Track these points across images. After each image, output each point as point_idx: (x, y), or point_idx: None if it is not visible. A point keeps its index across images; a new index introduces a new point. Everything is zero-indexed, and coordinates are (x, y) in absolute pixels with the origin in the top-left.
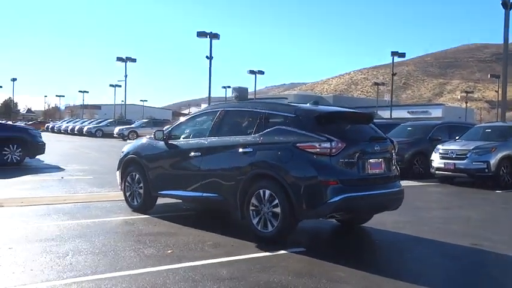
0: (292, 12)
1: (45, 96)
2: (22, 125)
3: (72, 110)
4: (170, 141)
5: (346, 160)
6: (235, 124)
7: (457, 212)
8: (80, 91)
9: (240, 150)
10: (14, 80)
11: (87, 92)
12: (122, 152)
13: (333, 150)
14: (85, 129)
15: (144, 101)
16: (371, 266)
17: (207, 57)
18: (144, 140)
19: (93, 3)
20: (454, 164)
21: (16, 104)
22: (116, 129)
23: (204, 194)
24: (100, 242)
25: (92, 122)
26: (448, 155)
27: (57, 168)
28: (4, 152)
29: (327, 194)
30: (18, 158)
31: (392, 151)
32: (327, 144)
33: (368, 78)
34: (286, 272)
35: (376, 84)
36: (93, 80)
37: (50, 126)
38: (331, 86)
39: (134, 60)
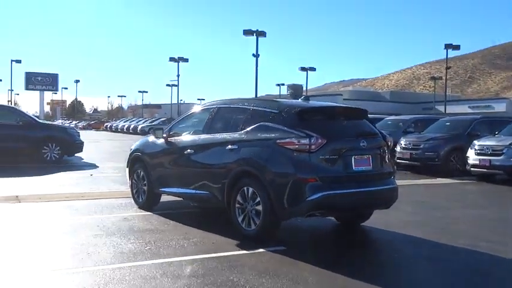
0: (352, 5)
1: (108, 96)
2: (61, 124)
3: (134, 109)
4: (169, 139)
5: (326, 157)
6: (226, 121)
7: (474, 212)
8: (139, 91)
9: (227, 147)
10: (77, 81)
11: (146, 92)
12: (130, 149)
13: (312, 147)
14: (139, 128)
15: (202, 99)
16: (345, 267)
17: (253, 55)
18: (149, 137)
19: (145, 6)
20: (490, 160)
21: (82, 104)
22: None
23: (197, 192)
24: (85, 237)
25: (146, 120)
26: (483, 151)
27: (91, 166)
28: (44, 151)
29: (305, 191)
30: (57, 156)
31: (385, 147)
32: (306, 141)
33: (431, 72)
34: (251, 271)
35: (433, 78)
36: (152, 80)
37: (108, 126)
38: (392, 81)
39: (186, 60)
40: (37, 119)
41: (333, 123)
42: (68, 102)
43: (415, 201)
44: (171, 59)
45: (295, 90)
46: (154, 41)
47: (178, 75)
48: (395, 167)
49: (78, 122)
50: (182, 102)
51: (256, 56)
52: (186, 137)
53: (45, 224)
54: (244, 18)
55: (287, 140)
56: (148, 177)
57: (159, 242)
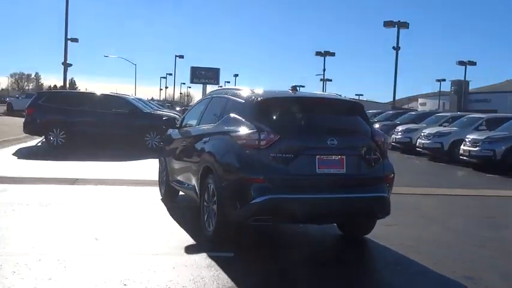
0: None
1: None
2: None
3: None
4: (179, 130)
5: (279, 155)
6: (212, 112)
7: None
8: (296, 85)
9: (202, 140)
10: (236, 75)
11: (303, 86)
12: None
13: (262, 143)
14: None
15: (360, 95)
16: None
17: (393, 48)
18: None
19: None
20: None
21: None
22: None
23: (188, 185)
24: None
25: None
26: None
27: None
28: (146, 138)
29: (251, 193)
30: (157, 144)
31: (373, 148)
32: (255, 136)
33: None
34: (160, 277)
35: None
36: (302, 74)
37: None
38: None
39: (333, 54)
40: (143, 108)
41: (298, 116)
42: None
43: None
44: (317, 53)
45: (459, 86)
46: (299, 35)
47: (324, 69)
48: (390, 171)
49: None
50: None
51: (397, 48)
52: (186, 129)
53: (58, 205)
54: (387, 9)
55: (238, 133)
56: (166, 168)
57: (132, 237)
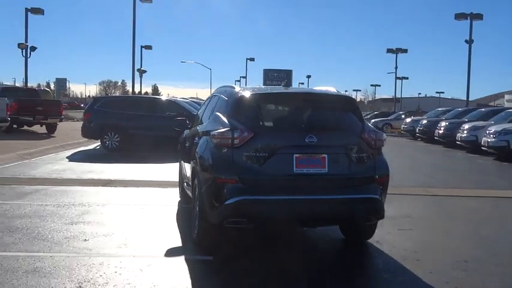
0: None
1: (346, 91)
2: None
3: (372, 103)
4: (189, 131)
5: (253, 154)
6: (208, 111)
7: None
8: (371, 85)
9: (195, 140)
10: (308, 77)
11: (379, 85)
12: None
13: (236, 141)
14: (371, 122)
15: (441, 92)
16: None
17: (466, 41)
18: None
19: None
20: None
21: None
22: (371, 122)
23: (189, 186)
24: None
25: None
26: None
27: None
28: None
29: (224, 194)
30: None
31: (363, 146)
32: (229, 134)
33: None
34: (120, 279)
35: None
36: (376, 73)
37: None
38: None
39: (405, 51)
40: (191, 111)
41: (278, 113)
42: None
43: None
44: (389, 51)
45: None
46: (370, 33)
47: (396, 67)
48: (383, 171)
49: None
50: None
51: (470, 42)
52: (191, 129)
53: (64, 204)
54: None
55: (214, 132)
56: (180, 170)
57: (120, 235)
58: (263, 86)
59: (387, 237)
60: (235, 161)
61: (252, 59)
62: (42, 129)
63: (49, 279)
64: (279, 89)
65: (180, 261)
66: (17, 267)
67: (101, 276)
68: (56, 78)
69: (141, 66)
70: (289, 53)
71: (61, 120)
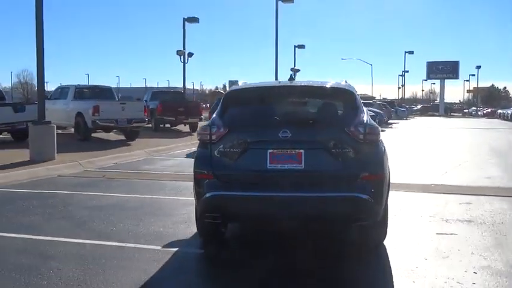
0: None
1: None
2: None
3: None
4: None
5: (228, 149)
6: None
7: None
8: None
9: None
10: (478, 67)
11: None
12: None
13: (213, 137)
14: None
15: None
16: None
17: None
18: None
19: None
20: None
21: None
22: None
23: None
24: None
25: None
26: None
27: None
28: None
29: (203, 189)
30: None
31: (340, 141)
32: (207, 130)
33: None
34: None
35: None
36: None
37: (500, 113)
38: None
39: None
40: None
41: (255, 108)
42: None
43: None
44: None
45: None
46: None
47: None
48: (372, 169)
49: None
50: None
51: None
52: None
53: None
54: None
55: (201, 129)
56: None
57: (121, 224)
58: (263, 81)
59: (409, 243)
60: (212, 157)
61: (411, 52)
62: (186, 128)
63: None
64: (268, 83)
65: (170, 252)
66: None
67: None
68: (229, 81)
69: (294, 65)
70: (453, 44)
71: (201, 120)
